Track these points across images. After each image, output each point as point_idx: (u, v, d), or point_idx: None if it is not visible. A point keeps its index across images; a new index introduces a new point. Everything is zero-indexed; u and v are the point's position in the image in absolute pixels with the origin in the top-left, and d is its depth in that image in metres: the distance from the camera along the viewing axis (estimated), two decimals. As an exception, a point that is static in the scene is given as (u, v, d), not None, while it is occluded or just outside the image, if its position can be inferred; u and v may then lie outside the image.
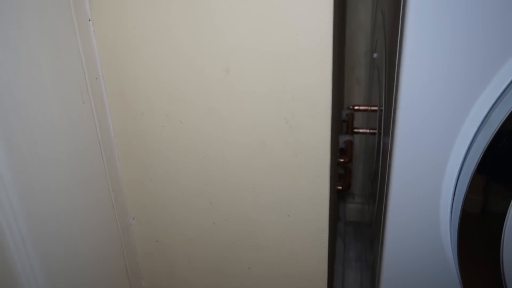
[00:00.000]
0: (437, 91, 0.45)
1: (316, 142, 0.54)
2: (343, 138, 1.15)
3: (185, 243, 0.67)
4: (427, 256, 0.59)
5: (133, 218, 0.68)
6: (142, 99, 0.58)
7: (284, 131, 0.55)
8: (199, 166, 0.60)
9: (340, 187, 1.07)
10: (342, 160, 1.04)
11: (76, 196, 0.55)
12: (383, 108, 0.67)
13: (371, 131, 1.23)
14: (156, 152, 0.61)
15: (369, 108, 1.39)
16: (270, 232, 0.62)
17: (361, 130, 1.37)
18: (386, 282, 0.63)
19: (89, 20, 0.55)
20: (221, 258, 0.67)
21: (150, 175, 0.63)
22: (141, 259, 0.71)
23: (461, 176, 0.53)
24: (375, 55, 1.07)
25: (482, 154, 0.47)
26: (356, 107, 1.37)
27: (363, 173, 1.50)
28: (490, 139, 0.46)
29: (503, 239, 0.52)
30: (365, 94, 1.46)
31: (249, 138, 0.56)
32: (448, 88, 0.45)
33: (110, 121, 0.60)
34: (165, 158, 0.61)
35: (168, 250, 0.69)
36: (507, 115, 0.44)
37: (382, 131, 0.68)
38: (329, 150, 0.55)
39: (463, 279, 0.58)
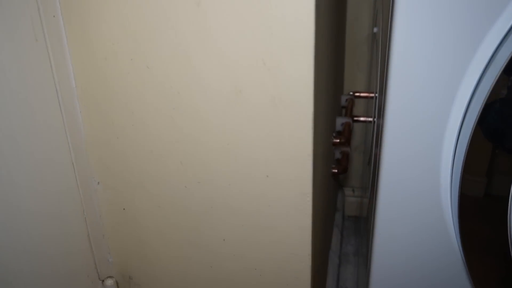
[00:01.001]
0: (430, 57, 0.43)
1: (298, 88, 0.47)
2: (341, 120, 1.08)
3: (155, 211, 0.60)
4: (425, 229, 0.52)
5: (98, 183, 0.61)
6: (105, 41, 0.52)
7: (262, 75, 0.48)
8: (169, 120, 0.54)
9: (336, 170, 1.00)
10: (338, 140, 0.97)
11: (26, 154, 0.49)
12: (378, 89, 0.63)
13: (371, 119, 1.16)
14: (121, 104, 0.55)
15: (369, 95, 1.31)
16: (247, 196, 0.55)
17: (361, 119, 1.30)
18: (377, 257, 0.56)
19: None
20: (194, 228, 0.59)
21: (115, 132, 0.57)
22: (107, 231, 0.64)
23: (460, 135, 0.47)
24: (375, 29, 1.00)
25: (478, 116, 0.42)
26: (356, 94, 1.30)
27: (364, 164, 1.42)
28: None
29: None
30: (367, 81, 1.39)
31: (223, 84, 0.49)
32: (440, 55, 0.43)
33: (70, 67, 0.54)
34: (131, 111, 0.55)
35: (137, 220, 0.62)
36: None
37: (376, 114, 0.64)
38: (312, 99, 0.48)
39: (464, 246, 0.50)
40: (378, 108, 0.60)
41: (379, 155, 0.52)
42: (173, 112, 0.53)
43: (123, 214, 0.62)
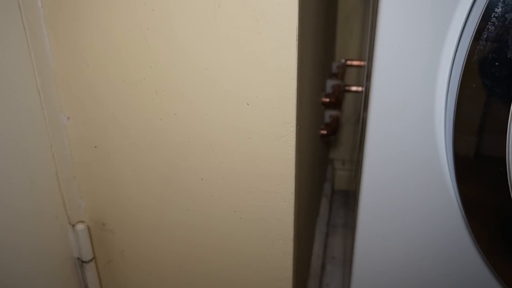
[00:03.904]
0: (415, 19, 0.43)
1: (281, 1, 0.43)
2: (332, 83, 1.05)
3: (129, 149, 0.56)
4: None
5: (68, 118, 0.57)
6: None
7: (243, -14, 0.44)
8: (142, 42, 0.49)
9: (325, 132, 0.96)
10: (327, 99, 0.93)
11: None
12: (367, 56, 0.62)
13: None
14: (91, 25, 0.50)
15: (361, 63, 1.27)
16: (226, 128, 0.51)
17: (353, 88, 1.27)
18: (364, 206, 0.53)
19: None
20: (171, 166, 0.55)
21: (85, 58, 0.52)
22: (78, 172, 0.60)
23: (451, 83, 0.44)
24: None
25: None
26: (348, 62, 1.26)
27: (355, 136, 1.39)
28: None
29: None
30: (359, 49, 1.35)
31: (201, -2, 0.45)
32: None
33: (34, -18, 0.50)
34: (101, 31, 0.50)
35: (110, 158, 0.58)
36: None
37: (365, 78, 0.63)
38: (297, 11, 0.44)
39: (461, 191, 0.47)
40: (367, 71, 0.58)
41: (367, 117, 0.49)
42: (146, 32, 0.49)
43: (94, 152, 0.58)
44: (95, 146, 0.57)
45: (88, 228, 0.62)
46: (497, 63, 0.38)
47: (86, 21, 0.50)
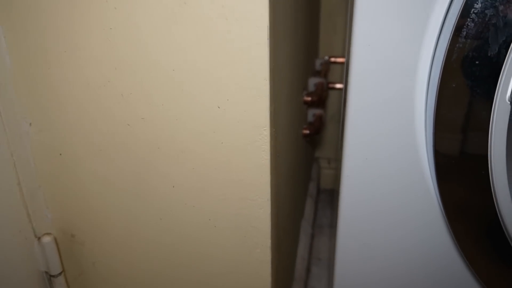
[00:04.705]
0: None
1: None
2: (314, 81, 1.02)
3: (95, 156, 0.53)
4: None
5: (30, 124, 0.53)
6: None
7: (209, -18, 0.41)
8: (106, 43, 0.46)
9: (308, 131, 0.94)
10: (309, 98, 0.91)
11: None
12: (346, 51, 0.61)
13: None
14: (51, 25, 0.47)
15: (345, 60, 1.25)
16: (197, 133, 0.48)
17: (337, 85, 1.24)
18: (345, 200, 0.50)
19: None
20: (141, 174, 0.52)
21: (46, 59, 0.49)
22: (43, 181, 0.56)
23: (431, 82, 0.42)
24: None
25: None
26: (332, 59, 1.24)
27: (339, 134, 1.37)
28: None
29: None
30: (344, 45, 1.32)
31: (165, -5, 0.42)
32: None
33: (-13, -20, 0.46)
34: (62, 32, 0.47)
35: (76, 167, 0.55)
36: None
37: (344, 74, 0.61)
38: (267, 11, 0.41)
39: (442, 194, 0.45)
40: (346, 69, 0.56)
41: (345, 118, 0.47)
42: (109, 32, 0.46)
43: (60, 160, 0.55)
44: (60, 154, 0.54)
45: (56, 240, 0.58)
46: (477, 62, 0.36)
47: (46, 21, 0.47)
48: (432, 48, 0.41)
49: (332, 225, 1.24)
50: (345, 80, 0.62)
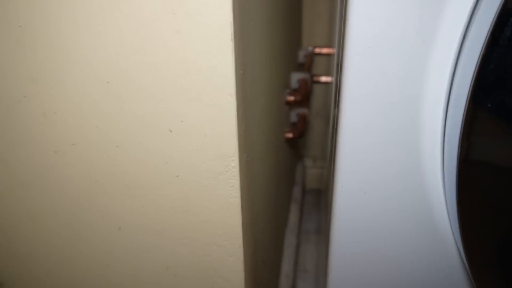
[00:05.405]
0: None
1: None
2: (297, 76, 0.91)
3: (19, 190, 0.41)
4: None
5: None
6: None
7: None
8: (14, 45, 0.34)
9: (291, 135, 0.83)
10: (292, 98, 0.80)
11: None
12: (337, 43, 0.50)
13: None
14: None
15: (331, 51, 1.14)
16: (144, 162, 0.37)
17: (322, 79, 1.13)
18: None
19: None
20: (77, 212, 0.41)
21: None
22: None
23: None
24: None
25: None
26: (317, 49, 1.13)
27: (326, 132, 1.27)
28: None
29: None
30: (328, 34, 1.21)
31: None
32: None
33: None
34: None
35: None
36: None
37: (335, 70, 0.50)
38: (230, 2, 0.30)
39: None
40: (338, 62, 0.45)
41: (339, 117, 0.36)
42: (19, 32, 0.33)
43: (-26, 196, 0.43)
44: (-25, 189, 0.42)
45: (-22, 291, 0.47)
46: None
47: None
48: (455, 49, 0.30)
49: (319, 230, 1.15)
50: (336, 72, 0.51)
